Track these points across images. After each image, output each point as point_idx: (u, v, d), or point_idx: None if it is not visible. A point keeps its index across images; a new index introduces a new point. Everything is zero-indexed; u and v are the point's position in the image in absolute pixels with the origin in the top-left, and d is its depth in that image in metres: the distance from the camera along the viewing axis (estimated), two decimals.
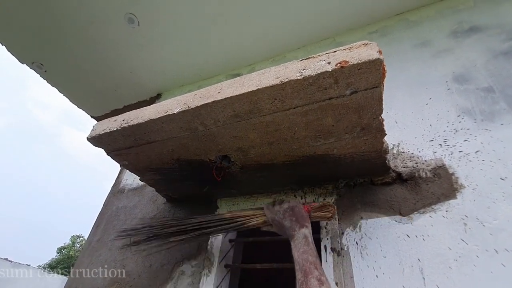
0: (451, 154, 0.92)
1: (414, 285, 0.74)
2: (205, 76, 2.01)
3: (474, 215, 0.78)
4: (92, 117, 2.46)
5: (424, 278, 0.74)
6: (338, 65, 0.65)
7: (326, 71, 0.65)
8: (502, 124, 0.92)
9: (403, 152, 1.00)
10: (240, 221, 0.90)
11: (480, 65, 1.09)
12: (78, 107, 2.35)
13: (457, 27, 1.28)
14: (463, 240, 0.76)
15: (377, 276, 0.78)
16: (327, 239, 0.91)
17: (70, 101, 2.27)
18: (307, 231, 0.75)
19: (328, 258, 0.87)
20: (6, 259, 6.98)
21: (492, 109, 0.96)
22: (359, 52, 0.65)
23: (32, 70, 2.01)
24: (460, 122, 0.98)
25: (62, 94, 2.21)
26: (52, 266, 15.80)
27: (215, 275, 1.01)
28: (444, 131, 0.98)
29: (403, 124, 1.07)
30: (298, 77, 0.68)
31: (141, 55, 1.89)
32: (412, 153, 0.98)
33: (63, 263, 16.17)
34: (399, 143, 1.03)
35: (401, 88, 1.18)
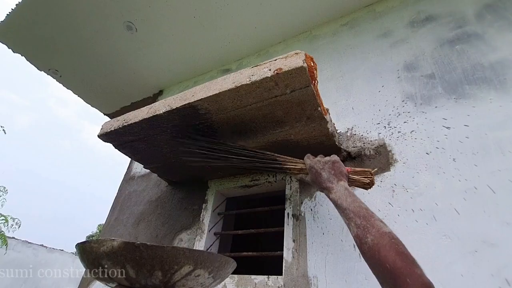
0: (392, 134, 1.10)
1: (349, 239, 0.95)
2: (199, 72, 2.21)
3: (401, 184, 0.97)
4: (104, 114, 2.74)
5: None
6: (275, 71, 0.84)
7: (267, 77, 0.85)
8: (436, 107, 1.08)
9: (355, 134, 1.18)
10: (280, 162, 0.95)
11: (427, 53, 1.24)
12: (92, 106, 2.63)
13: (415, 17, 1.40)
14: (389, 203, 0.95)
15: (323, 234, 1.00)
16: (290, 208, 1.12)
17: (84, 101, 2.55)
18: (346, 184, 0.78)
19: (289, 222, 1.09)
20: (42, 245, 7.71)
21: (430, 93, 1.12)
22: (291, 60, 0.83)
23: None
24: (403, 106, 1.15)
25: (77, 95, 2.49)
26: None
27: (205, 240, 1.25)
28: (389, 114, 1.15)
29: (357, 110, 1.24)
30: (247, 82, 0.88)
31: (141, 57, 2.11)
32: (362, 135, 1.16)
33: None
34: (352, 127, 1.21)
35: (360, 77, 1.34)
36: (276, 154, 0.97)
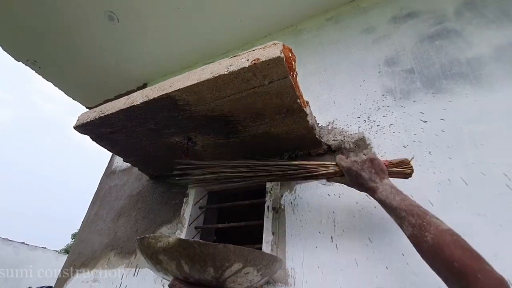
0: (371, 128, 1.10)
1: (327, 231, 0.95)
2: (185, 65, 2.17)
3: None
4: (87, 107, 2.66)
5: (335, 225, 0.95)
6: (253, 62, 0.83)
7: (245, 67, 0.83)
8: (414, 101, 1.09)
9: (336, 128, 1.18)
10: (310, 169, 0.88)
11: (408, 49, 1.25)
12: (73, 99, 2.55)
13: (398, 13, 1.41)
14: (367, 196, 0.96)
15: (302, 226, 1.00)
16: (270, 201, 1.12)
17: (65, 93, 2.47)
18: (390, 181, 0.76)
19: (269, 215, 1.08)
20: (23, 242, 7.49)
21: (409, 88, 1.13)
22: (269, 51, 0.82)
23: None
24: (383, 100, 1.16)
25: (57, 88, 2.41)
26: (68, 251, 16.67)
27: (185, 234, 1.24)
28: (370, 108, 1.16)
29: (339, 104, 1.25)
30: (225, 72, 0.86)
31: (124, 49, 2.06)
32: (342, 129, 1.16)
33: None
34: (333, 120, 1.21)
35: (343, 72, 1.35)
36: (304, 162, 0.90)
